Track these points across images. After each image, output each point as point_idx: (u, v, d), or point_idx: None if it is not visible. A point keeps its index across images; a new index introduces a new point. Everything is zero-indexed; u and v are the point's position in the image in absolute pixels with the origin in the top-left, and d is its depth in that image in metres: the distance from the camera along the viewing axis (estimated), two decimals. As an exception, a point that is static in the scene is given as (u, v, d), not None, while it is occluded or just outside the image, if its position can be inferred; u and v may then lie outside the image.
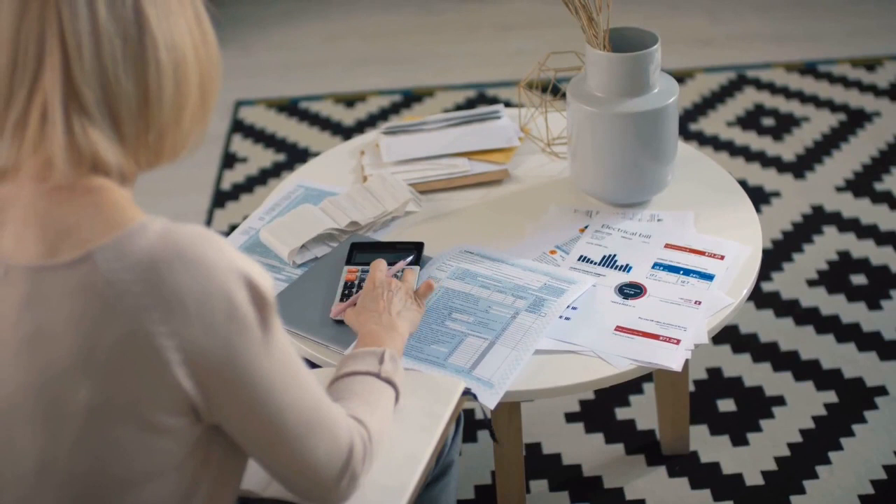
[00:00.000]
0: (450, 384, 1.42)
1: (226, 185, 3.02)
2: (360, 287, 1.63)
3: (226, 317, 1.03)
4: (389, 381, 1.32)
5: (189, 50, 1.07)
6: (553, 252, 1.74)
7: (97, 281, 1.01)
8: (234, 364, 1.05)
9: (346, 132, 3.22)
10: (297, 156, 3.13)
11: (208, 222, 2.87)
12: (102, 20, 1.01)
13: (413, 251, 1.69)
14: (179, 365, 1.03)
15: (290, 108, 3.38)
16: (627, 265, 1.70)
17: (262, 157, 3.14)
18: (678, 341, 1.55)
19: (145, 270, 1.01)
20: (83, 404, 1.03)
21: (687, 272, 1.68)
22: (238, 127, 3.29)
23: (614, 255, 1.72)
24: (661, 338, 1.56)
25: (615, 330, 1.58)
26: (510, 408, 1.69)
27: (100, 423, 1.04)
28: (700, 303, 1.62)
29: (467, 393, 1.42)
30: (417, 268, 1.65)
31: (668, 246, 1.74)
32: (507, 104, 3.01)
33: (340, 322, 1.59)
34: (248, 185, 3.02)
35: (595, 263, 1.71)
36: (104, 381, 1.03)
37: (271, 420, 1.10)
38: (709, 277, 1.67)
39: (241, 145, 3.21)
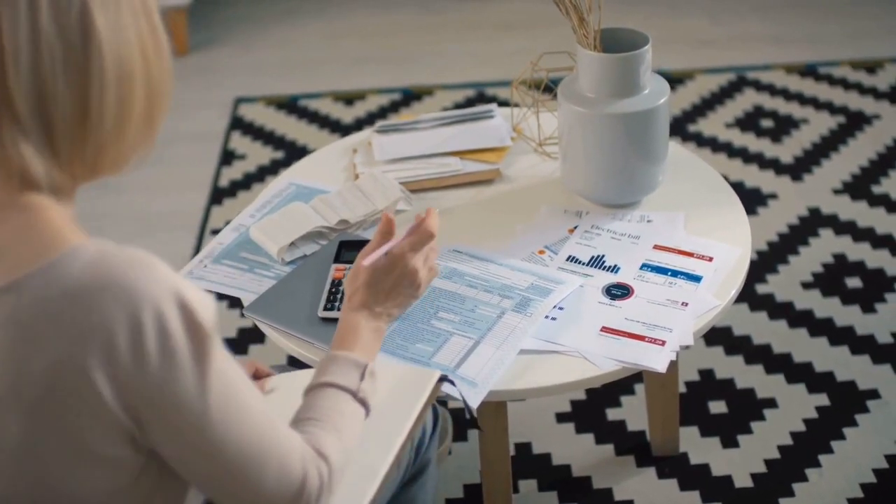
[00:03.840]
0: (425, 373, 1.40)
1: (224, 182, 3.03)
2: None
3: (157, 349, 0.98)
4: (363, 403, 1.26)
5: (138, 64, 1.01)
6: (542, 252, 1.74)
7: (24, 311, 0.97)
8: (166, 397, 1.00)
9: (344, 130, 3.22)
10: (295, 153, 3.13)
11: (205, 219, 2.87)
12: (44, 27, 0.96)
13: None
14: (112, 397, 0.98)
15: (290, 105, 3.39)
16: (615, 266, 1.70)
17: (260, 155, 3.14)
18: (664, 342, 1.55)
19: (73, 299, 0.96)
20: (14, 438, 1.00)
21: (675, 273, 1.68)
22: (237, 124, 3.30)
23: (602, 256, 1.72)
24: (646, 339, 1.56)
25: (601, 331, 1.57)
26: (496, 407, 1.69)
27: (35, 456, 1.01)
28: (687, 304, 1.61)
29: (444, 379, 1.39)
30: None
31: (656, 247, 1.74)
32: (504, 104, 3.00)
33: (327, 320, 1.59)
34: (247, 182, 3.02)
35: (583, 264, 1.71)
36: (34, 413, 0.99)
37: (210, 453, 1.05)
38: (696, 279, 1.66)
39: (239, 142, 3.21)
